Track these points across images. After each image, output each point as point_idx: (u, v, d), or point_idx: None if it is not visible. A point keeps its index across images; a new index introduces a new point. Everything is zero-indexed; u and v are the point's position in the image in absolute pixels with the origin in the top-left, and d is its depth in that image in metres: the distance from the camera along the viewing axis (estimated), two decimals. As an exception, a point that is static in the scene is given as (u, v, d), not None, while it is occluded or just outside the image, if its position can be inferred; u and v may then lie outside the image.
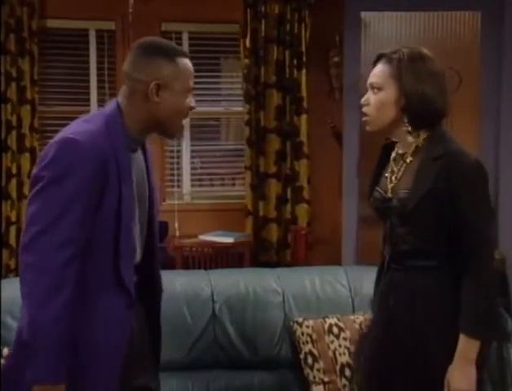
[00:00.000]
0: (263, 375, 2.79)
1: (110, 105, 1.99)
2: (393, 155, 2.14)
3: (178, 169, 5.41)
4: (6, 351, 2.50)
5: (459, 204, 1.96)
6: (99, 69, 5.19)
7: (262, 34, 5.09)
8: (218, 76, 5.50)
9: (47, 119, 5.11)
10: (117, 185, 1.86)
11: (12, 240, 4.89)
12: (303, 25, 5.12)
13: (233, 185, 5.57)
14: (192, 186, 5.46)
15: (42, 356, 1.76)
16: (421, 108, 2.02)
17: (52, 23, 5.09)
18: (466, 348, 1.93)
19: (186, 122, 5.30)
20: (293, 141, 5.16)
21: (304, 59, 5.12)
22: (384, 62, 2.07)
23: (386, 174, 2.12)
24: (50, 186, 1.78)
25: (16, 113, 4.90)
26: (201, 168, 5.54)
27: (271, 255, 5.17)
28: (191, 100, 1.98)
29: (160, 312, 2.14)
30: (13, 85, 4.88)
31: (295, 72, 5.13)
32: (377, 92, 2.06)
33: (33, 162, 4.93)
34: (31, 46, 4.91)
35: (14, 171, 4.91)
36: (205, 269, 4.04)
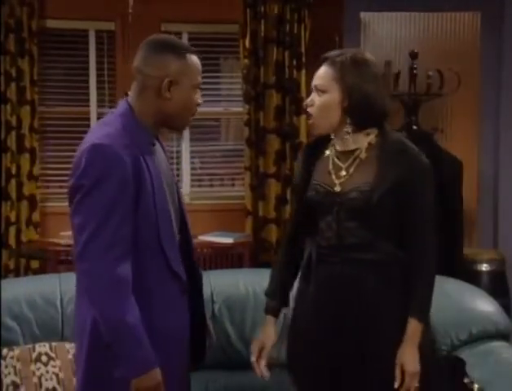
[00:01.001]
0: (263, 375, 2.79)
1: (121, 104, 2.02)
2: (329, 152, 2.19)
3: (178, 169, 5.41)
4: (5, 351, 2.50)
5: (414, 201, 2.08)
6: (99, 70, 5.19)
7: (262, 34, 5.09)
8: (217, 77, 5.50)
9: (47, 119, 5.12)
10: (150, 179, 1.91)
11: (12, 241, 4.89)
12: (303, 26, 5.12)
13: (233, 185, 5.57)
14: (192, 186, 5.46)
15: (128, 351, 1.83)
16: (364, 108, 2.09)
17: (52, 23, 5.09)
18: (416, 332, 2.05)
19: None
20: (292, 141, 5.17)
21: (304, 59, 5.12)
22: (328, 65, 2.13)
23: (329, 170, 2.17)
24: (90, 194, 1.84)
25: (16, 114, 4.90)
26: (201, 168, 5.54)
27: (270, 255, 5.16)
28: (198, 97, 2.02)
29: (203, 307, 2.16)
30: (13, 85, 4.88)
31: (295, 72, 5.13)
32: (322, 94, 2.13)
33: (32, 162, 4.94)
34: (31, 47, 4.91)
35: (13, 171, 4.90)
36: (205, 269, 4.04)
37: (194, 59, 2.00)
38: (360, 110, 2.09)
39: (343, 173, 2.14)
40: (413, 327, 2.04)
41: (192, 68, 1.98)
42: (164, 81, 1.93)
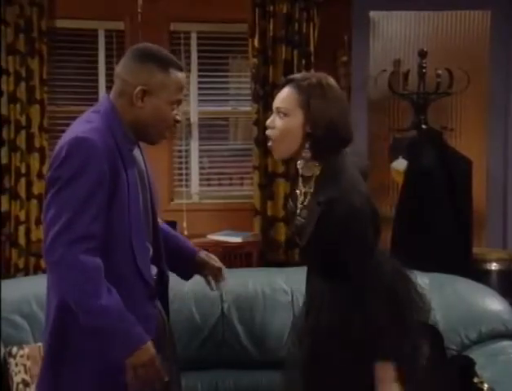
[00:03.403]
0: (272, 374, 2.78)
1: (102, 103, 2.02)
2: (299, 171, 2.18)
3: (187, 168, 5.42)
4: (15, 350, 2.51)
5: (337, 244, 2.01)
6: (108, 69, 5.20)
7: (271, 34, 5.08)
8: (226, 76, 5.49)
9: (56, 119, 5.13)
10: (126, 181, 1.90)
11: (21, 240, 4.90)
12: (311, 25, 5.11)
13: (241, 184, 5.57)
14: (201, 185, 5.46)
15: (117, 332, 1.82)
16: (326, 136, 2.03)
17: (61, 23, 5.10)
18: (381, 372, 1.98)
19: (194, 122, 5.35)
20: (301, 141, 5.15)
21: (312, 58, 5.11)
22: (292, 87, 2.07)
23: (297, 190, 2.18)
24: (66, 187, 1.82)
25: (25, 113, 4.92)
26: (209, 167, 5.54)
27: (279, 254, 5.16)
28: (177, 113, 2.00)
29: (168, 309, 2.16)
30: (22, 84, 4.90)
31: (303, 71, 5.13)
32: (284, 117, 2.07)
33: (42, 162, 4.95)
34: (40, 46, 4.93)
35: (23, 171, 4.92)
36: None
37: (178, 75, 1.97)
38: (321, 137, 2.03)
39: (301, 197, 2.15)
40: (376, 368, 1.97)
41: (172, 84, 1.95)
42: (137, 89, 1.92)
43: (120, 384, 1.87)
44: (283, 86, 2.11)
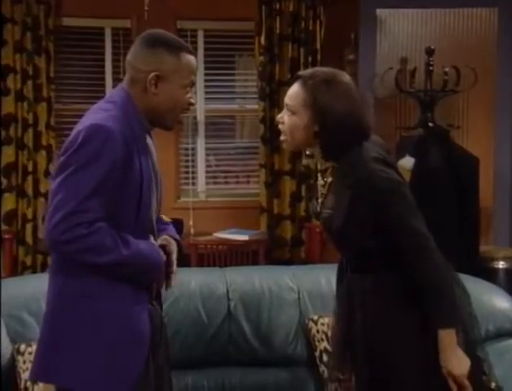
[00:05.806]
0: (278, 372, 2.79)
1: (117, 93, 2.02)
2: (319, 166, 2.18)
3: (193, 166, 5.43)
4: (23, 347, 2.52)
5: (386, 221, 2.00)
6: (115, 67, 5.22)
7: (277, 32, 5.09)
8: (232, 74, 5.50)
9: (63, 117, 5.14)
10: (139, 166, 1.91)
11: (29, 238, 4.92)
12: (318, 23, 5.11)
13: (248, 182, 5.57)
14: (207, 183, 5.47)
15: (149, 267, 1.94)
16: (335, 134, 2.01)
17: (68, 21, 5.12)
18: (445, 339, 2.00)
19: (201, 120, 5.35)
20: (307, 138, 5.15)
21: (319, 56, 5.11)
22: (299, 85, 2.06)
23: (318, 183, 2.18)
24: (80, 171, 1.83)
25: (33, 111, 4.94)
26: (216, 165, 5.55)
27: (285, 252, 5.17)
28: (191, 96, 2.01)
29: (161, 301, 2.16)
30: (29, 83, 4.92)
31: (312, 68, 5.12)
32: (291, 115, 2.07)
33: (49, 160, 4.97)
34: (47, 44, 4.95)
35: (30, 169, 4.94)
36: (220, 266, 4.04)
37: (189, 58, 1.98)
38: (330, 135, 2.01)
39: (322, 191, 2.14)
40: (441, 335, 1.99)
41: (184, 67, 1.96)
42: (150, 75, 1.93)
43: (115, 364, 1.89)
44: (293, 81, 2.11)
